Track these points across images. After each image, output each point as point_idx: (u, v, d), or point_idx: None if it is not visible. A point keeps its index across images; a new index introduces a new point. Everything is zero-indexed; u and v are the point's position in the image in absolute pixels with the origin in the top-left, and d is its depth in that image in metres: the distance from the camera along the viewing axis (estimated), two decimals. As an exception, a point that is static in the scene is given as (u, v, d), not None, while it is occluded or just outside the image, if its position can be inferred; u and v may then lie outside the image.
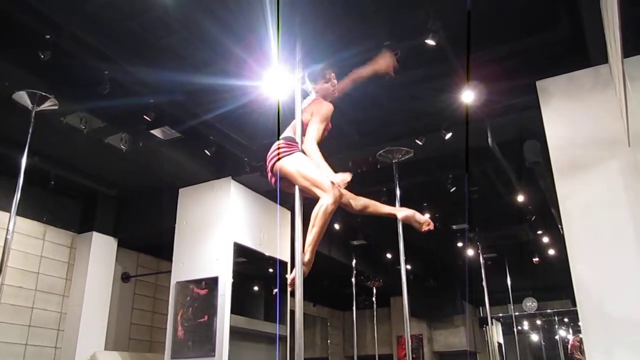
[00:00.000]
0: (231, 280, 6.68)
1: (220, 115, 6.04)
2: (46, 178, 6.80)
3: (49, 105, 5.08)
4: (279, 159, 3.17)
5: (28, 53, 4.58)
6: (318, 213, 3.02)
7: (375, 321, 12.31)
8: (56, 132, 5.88)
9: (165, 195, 7.50)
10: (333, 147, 6.19)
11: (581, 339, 12.54)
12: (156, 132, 6.13)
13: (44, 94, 4.98)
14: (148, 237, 8.27)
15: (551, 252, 10.66)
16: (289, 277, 2.99)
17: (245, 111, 5.88)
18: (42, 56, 4.52)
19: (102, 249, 7.73)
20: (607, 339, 4.23)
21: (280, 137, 3.36)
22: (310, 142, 3.20)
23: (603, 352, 4.22)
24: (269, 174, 3.29)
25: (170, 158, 6.68)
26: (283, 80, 4.35)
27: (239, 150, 6.63)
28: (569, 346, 14.32)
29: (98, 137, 6.06)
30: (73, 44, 4.72)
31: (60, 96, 5.11)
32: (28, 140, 5.00)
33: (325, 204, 3.02)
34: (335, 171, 3.18)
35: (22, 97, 4.96)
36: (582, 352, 13.21)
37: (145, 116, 5.68)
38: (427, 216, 3.51)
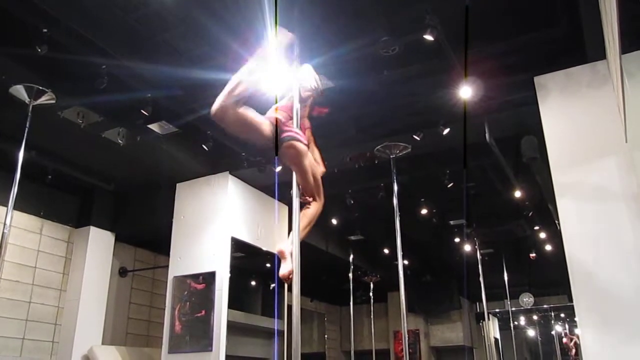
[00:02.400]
0: (228, 275, 6.69)
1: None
2: (43, 172, 6.78)
3: (46, 99, 5.06)
4: (304, 144, 3.11)
5: (25, 47, 4.56)
6: (313, 218, 3.07)
7: (372, 316, 12.33)
8: (53, 126, 5.87)
9: (163, 190, 7.50)
10: (331, 143, 6.19)
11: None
12: (154, 127, 6.13)
13: (41, 88, 4.96)
14: (145, 232, 8.27)
15: (548, 247, 10.68)
16: (283, 270, 3.00)
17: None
18: (39, 50, 4.50)
19: (99, 243, 7.73)
20: (603, 334, 4.25)
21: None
22: None
23: (599, 347, 4.24)
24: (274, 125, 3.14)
25: (168, 153, 6.67)
26: (281, 75, 4.34)
27: (236, 145, 6.62)
28: (565, 339, 14.41)
29: (95, 131, 6.04)
30: (70, 38, 4.70)
31: (58, 90, 5.10)
32: (25, 134, 4.98)
33: (319, 211, 3.08)
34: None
35: (19, 91, 4.94)
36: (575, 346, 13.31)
37: (142, 111, 5.67)
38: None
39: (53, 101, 5.13)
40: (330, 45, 5.00)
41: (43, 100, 5.06)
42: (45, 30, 4.51)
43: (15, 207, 4.92)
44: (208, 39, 4.96)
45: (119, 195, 8.00)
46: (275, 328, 7.50)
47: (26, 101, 5.01)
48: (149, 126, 6.07)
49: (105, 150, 6.45)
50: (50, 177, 6.83)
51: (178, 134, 6.29)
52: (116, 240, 8.04)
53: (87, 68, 5.06)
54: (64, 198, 7.71)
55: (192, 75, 5.43)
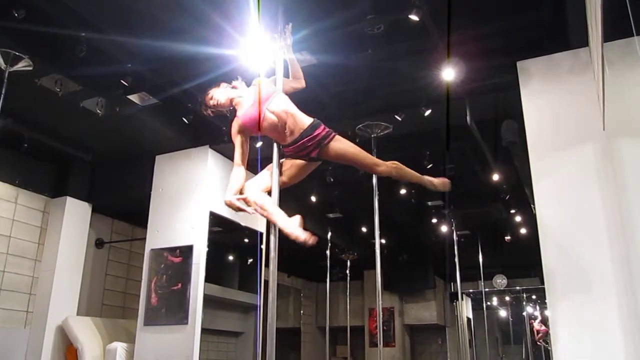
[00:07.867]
0: (206, 249, 6.69)
1: (199, 84, 5.96)
2: (19, 140, 6.64)
3: (23, 65, 4.96)
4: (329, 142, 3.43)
5: (1, 11, 4.44)
6: None
7: (348, 293, 12.44)
8: (30, 94, 5.74)
9: (142, 161, 7.42)
10: (312, 120, 6.16)
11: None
12: (133, 98, 6.03)
13: (17, 53, 4.85)
14: (123, 204, 8.21)
15: (523, 231, 10.84)
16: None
17: (225, 80, 5.80)
18: (17, 15, 4.39)
19: (76, 214, 7.65)
20: (572, 317, 4.36)
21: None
22: None
23: (568, 329, 4.35)
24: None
25: (148, 124, 6.59)
26: (264, 49, 4.29)
27: (217, 119, 6.56)
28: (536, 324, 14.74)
29: (73, 100, 5.94)
30: (48, 3, 4.59)
31: (35, 57, 4.99)
32: (1, 101, 4.89)
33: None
34: None
35: (-5, 56, 4.84)
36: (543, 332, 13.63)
37: (122, 81, 5.58)
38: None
39: (30, 68, 5.02)
40: (315, 20, 4.96)
41: (20, 66, 4.95)
42: (22, -7, 4.40)
43: (-11, 175, 4.85)
44: (190, 10, 4.88)
45: (96, 165, 7.89)
46: (258, 303, 7.53)
47: (2, 67, 4.91)
48: (129, 97, 5.97)
49: (84, 120, 6.34)
50: (26, 145, 6.70)
51: (158, 106, 6.21)
52: (93, 211, 7.96)
53: (65, 36, 4.95)
54: (40, 167, 7.59)
55: (174, 47, 5.34)
